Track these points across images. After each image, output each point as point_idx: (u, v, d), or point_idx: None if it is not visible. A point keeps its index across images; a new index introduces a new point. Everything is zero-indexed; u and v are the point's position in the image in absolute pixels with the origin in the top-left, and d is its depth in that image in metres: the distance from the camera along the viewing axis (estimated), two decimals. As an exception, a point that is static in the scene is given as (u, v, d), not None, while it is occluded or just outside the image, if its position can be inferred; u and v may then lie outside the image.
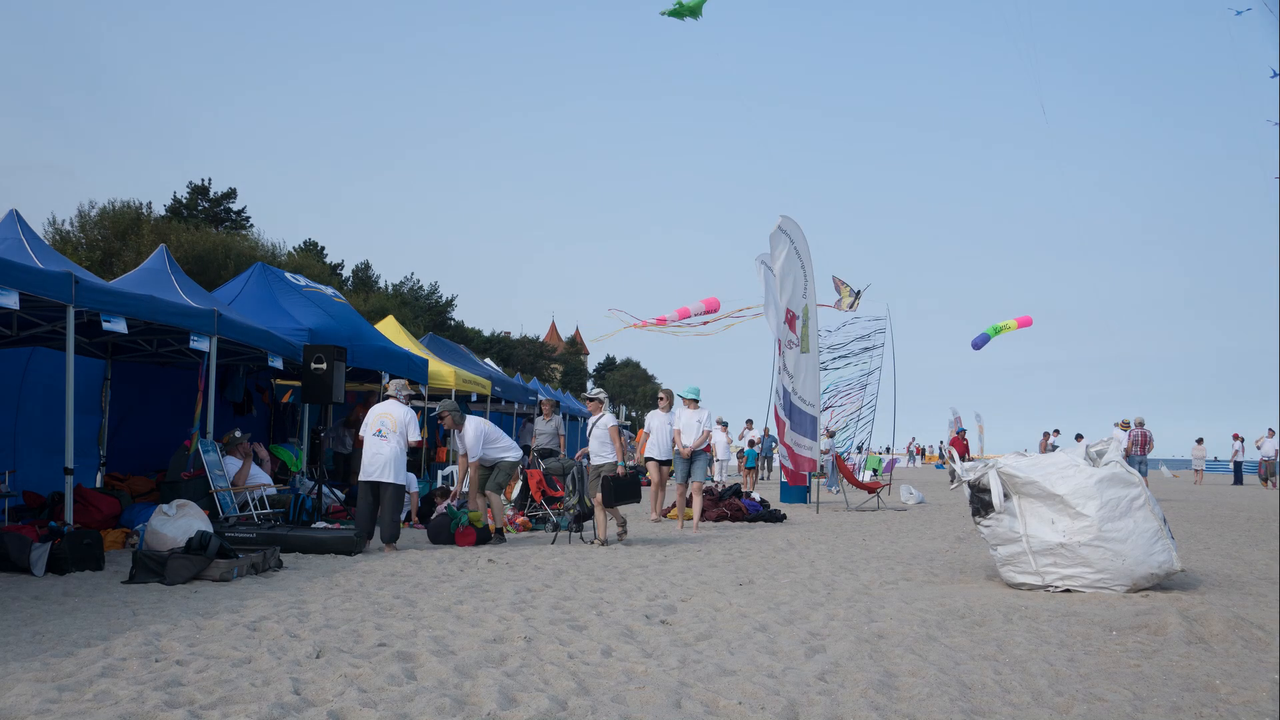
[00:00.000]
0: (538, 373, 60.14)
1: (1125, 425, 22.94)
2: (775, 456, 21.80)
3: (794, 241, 15.53)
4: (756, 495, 15.64)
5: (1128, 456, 20.79)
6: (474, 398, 18.81)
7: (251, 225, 48.37)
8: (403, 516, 12.02)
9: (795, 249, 15.54)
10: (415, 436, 9.43)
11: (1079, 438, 27.12)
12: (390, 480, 9.23)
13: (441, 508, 12.22)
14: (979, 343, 24.18)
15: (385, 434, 9.27)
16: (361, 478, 9.31)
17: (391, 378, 11.88)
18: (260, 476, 11.24)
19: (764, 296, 16.17)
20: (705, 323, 21.50)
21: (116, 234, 35.61)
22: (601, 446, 10.52)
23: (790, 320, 15.34)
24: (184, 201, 47.17)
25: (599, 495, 10.19)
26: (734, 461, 24.84)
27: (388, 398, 9.70)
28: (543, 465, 13.56)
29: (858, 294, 21.62)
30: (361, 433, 9.47)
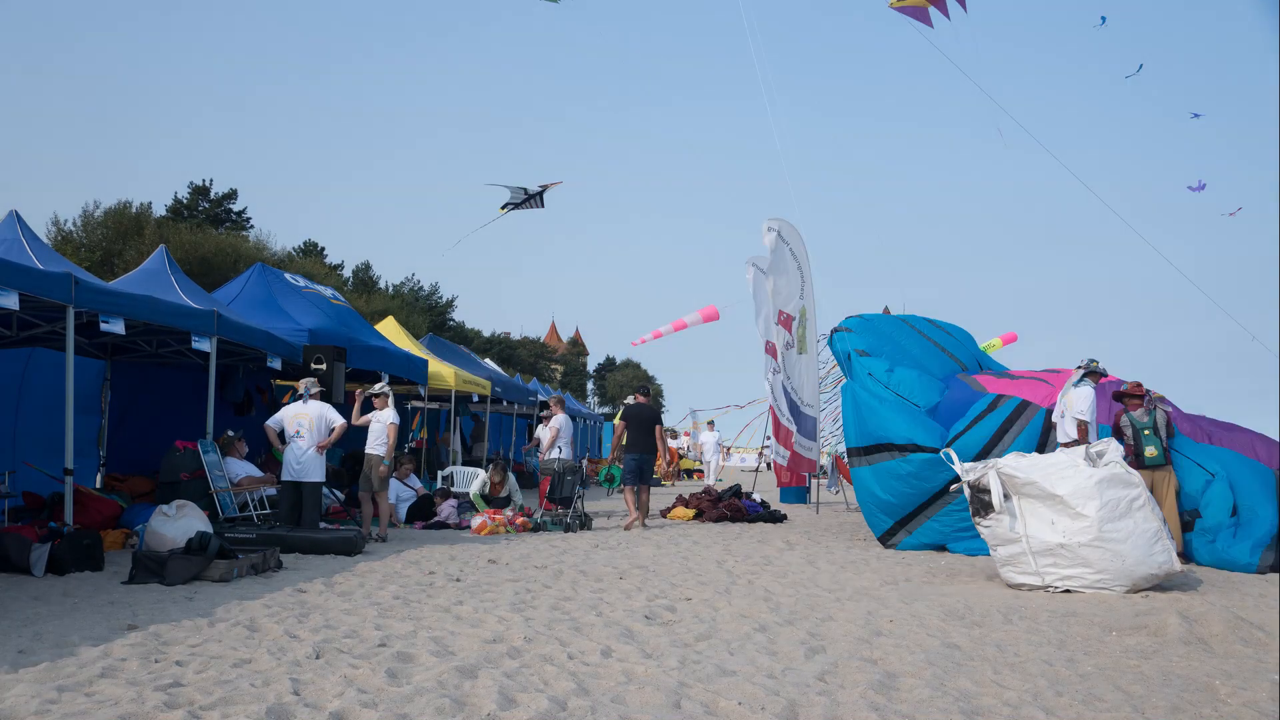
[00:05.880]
0: (538, 373, 60.15)
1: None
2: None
3: (789, 243, 15.50)
4: (757, 496, 15.63)
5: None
6: (474, 398, 18.81)
7: (252, 226, 48.36)
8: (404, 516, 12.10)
9: (791, 250, 15.49)
10: (337, 420, 9.71)
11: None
12: (311, 479, 9.60)
13: (445, 506, 12.25)
14: None
15: (303, 433, 9.58)
16: (285, 477, 9.65)
17: (310, 371, 11.16)
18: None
19: (753, 298, 16.13)
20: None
21: (118, 235, 35.50)
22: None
23: (785, 322, 15.31)
24: (185, 202, 47.15)
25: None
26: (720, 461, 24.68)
27: (298, 398, 9.98)
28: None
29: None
30: (274, 439, 9.89)
